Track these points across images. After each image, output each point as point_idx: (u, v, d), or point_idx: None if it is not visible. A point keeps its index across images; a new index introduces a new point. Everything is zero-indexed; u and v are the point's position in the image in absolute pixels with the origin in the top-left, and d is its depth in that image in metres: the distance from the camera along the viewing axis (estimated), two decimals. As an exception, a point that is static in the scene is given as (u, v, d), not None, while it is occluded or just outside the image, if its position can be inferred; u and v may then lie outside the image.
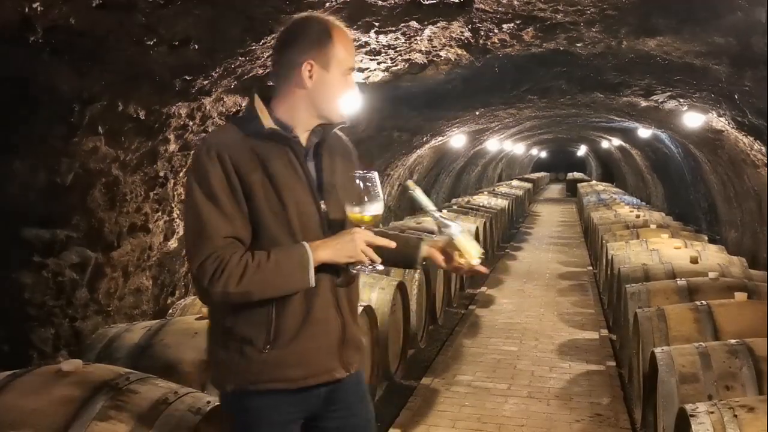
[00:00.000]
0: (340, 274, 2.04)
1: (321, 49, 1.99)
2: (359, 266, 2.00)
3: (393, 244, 2.01)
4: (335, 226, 2.03)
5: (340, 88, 2.03)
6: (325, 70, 1.99)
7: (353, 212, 1.95)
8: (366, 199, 1.94)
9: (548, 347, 6.57)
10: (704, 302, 4.27)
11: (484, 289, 9.22)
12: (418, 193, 2.24)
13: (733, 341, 3.47)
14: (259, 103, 2.04)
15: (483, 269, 2.20)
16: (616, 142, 17.39)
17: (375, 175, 1.97)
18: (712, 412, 2.59)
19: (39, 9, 2.46)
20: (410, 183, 2.25)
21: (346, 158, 2.17)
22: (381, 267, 2.01)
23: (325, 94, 2.02)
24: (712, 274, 5.15)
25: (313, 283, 1.94)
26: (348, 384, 2.12)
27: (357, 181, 1.95)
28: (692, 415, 2.64)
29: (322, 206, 2.02)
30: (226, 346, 2.01)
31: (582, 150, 31.97)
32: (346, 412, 2.14)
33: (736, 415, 2.54)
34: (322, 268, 1.97)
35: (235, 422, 2.06)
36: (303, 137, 2.06)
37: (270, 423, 2.04)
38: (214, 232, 1.89)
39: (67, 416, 2.30)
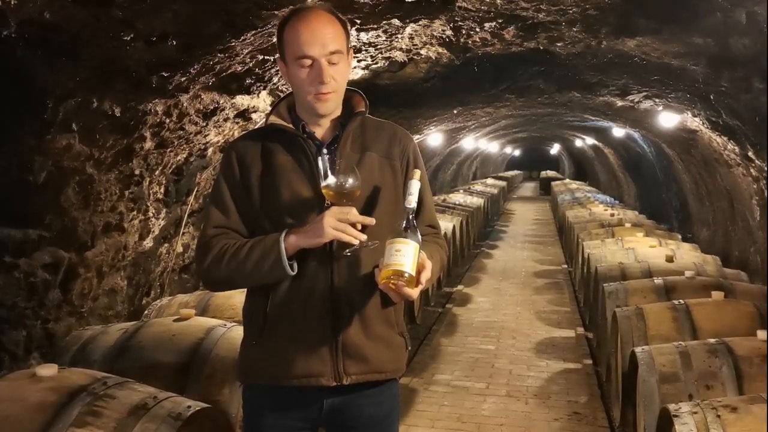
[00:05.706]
0: (341, 275, 1.93)
1: (279, 44, 1.96)
2: (347, 249, 1.84)
3: (372, 221, 1.84)
4: None
5: (298, 78, 1.90)
6: (285, 64, 1.95)
7: (323, 189, 1.84)
8: (331, 173, 1.84)
9: (525, 345, 6.59)
10: (682, 301, 4.29)
11: (461, 287, 9.24)
12: (414, 186, 1.91)
13: (712, 340, 3.48)
14: (280, 101, 2.05)
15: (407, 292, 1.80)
16: (590, 140, 17.55)
17: (336, 149, 1.93)
18: (695, 413, 2.60)
19: (13, 3, 2.37)
20: (417, 172, 1.95)
21: (388, 152, 2.01)
22: (372, 244, 1.82)
23: (294, 87, 1.97)
24: (688, 273, 5.18)
25: (288, 269, 1.85)
26: (361, 406, 2.00)
27: (320, 158, 1.93)
28: (675, 416, 2.64)
29: (326, 202, 1.88)
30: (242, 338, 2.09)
31: (555, 148, 32.23)
32: None
33: (719, 416, 2.54)
34: (316, 267, 1.91)
35: (243, 414, 2.12)
36: (320, 131, 2.00)
37: (271, 427, 2.00)
38: (210, 222, 2.00)
39: (42, 423, 2.23)
